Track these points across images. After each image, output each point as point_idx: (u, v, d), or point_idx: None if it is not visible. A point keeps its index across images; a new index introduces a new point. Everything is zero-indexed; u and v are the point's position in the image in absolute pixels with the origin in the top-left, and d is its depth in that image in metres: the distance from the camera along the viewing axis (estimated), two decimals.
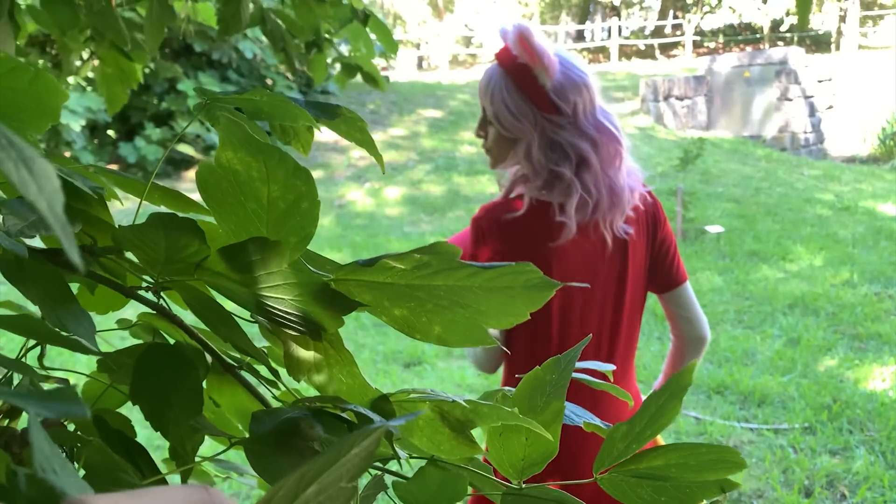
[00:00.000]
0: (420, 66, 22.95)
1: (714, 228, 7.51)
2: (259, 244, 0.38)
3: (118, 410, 0.62)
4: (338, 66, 1.38)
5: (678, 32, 23.31)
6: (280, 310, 0.42)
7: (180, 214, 0.40)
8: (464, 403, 0.42)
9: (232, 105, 0.47)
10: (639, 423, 0.52)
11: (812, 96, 12.25)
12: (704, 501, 0.56)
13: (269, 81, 11.81)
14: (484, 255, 1.58)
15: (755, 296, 5.75)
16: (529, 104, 1.52)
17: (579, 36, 25.92)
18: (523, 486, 0.54)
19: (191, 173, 10.67)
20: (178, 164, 10.76)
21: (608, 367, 0.63)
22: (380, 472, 0.48)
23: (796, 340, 4.76)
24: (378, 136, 11.40)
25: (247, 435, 0.64)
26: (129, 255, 0.45)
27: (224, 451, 0.45)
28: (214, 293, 0.48)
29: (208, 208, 0.42)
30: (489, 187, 9.68)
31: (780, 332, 4.93)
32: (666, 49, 22.54)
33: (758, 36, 22.30)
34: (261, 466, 0.42)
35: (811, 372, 4.25)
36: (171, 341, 0.57)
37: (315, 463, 0.28)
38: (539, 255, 1.54)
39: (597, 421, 0.60)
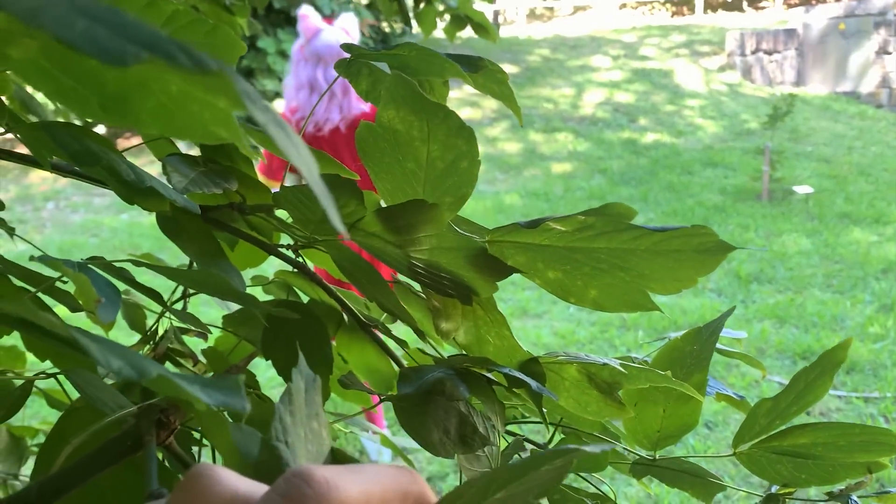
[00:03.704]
0: (496, 20, 22.57)
1: (802, 189, 7.20)
2: (418, 206, 0.37)
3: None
4: (447, 17, 1.37)
5: None
6: (432, 272, 0.41)
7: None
8: (615, 365, 0.41)
9: (378, 60, 0.46)
10: (784, 400, 0.50)
11: None
12: (848, 481, 0.54)
13: None
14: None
15: (845, 259, 5.52)
16: None
17: None
18: (657, 456, 0.53)
19: None
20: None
21: (740, 335, 0.62)
22: (521, 437, 0.48)
23: (889, 307, 4.56)
24: (454, 94, 11.28)
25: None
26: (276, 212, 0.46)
27: (374, 406, 0.46)
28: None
29: (366, 167, 0.41)
30: (567, 145, 9.51)
31: (872, 298, 4.73)
32: (754, 1, 21.52)
33: None
34: (408, 423, 0.42)
35: None
36: (305, 299, 0.58)
37: (506, 470, 0.28)
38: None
39: (729, 392, 0.58)
